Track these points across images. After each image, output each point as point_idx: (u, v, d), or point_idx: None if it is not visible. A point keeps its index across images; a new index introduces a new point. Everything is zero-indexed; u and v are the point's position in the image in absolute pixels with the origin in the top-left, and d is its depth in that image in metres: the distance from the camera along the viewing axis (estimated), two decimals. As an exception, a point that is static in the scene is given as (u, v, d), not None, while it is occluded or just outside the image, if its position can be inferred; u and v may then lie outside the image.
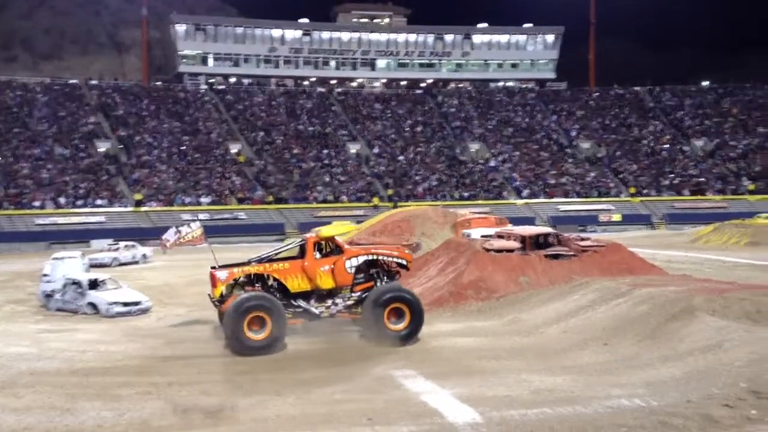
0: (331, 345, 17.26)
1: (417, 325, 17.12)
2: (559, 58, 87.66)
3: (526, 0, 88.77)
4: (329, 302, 17.44)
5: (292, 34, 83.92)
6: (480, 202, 65.36)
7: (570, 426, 10.89)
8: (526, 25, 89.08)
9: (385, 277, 17.94)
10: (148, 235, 54.48)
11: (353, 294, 17.55)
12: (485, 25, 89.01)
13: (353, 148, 73.71)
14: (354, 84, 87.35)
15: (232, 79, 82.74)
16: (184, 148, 68.84)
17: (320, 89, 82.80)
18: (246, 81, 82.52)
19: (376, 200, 65.15)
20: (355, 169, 70.68)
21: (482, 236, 28.32)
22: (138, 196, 60.66)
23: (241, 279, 17.46)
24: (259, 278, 17.46)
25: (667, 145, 77.40)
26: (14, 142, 64.21)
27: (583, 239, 26.81)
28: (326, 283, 17.27)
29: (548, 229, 29.64)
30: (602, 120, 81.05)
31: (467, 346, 16.93)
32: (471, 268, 22.84)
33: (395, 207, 54.94)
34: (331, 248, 17.68)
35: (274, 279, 17.34)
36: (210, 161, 67.83)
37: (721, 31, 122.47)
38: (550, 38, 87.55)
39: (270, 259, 18.03)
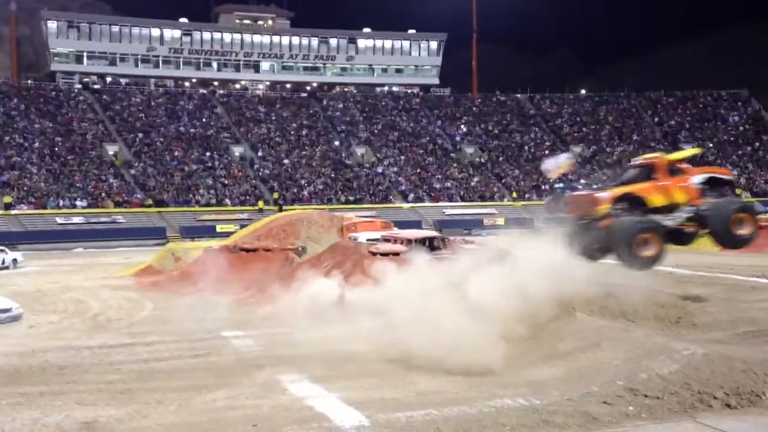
0: (210, 353, 16.87)
1: (756, 231, 18.99)
2: (442, 65, 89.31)
3: (409, 7, 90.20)
4: (674, 215, 18.67)
5: (171, 33, 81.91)
6: (366, 205, 65.59)
7: (455, 426, 10.95)
8: (410, 32, 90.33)
9: (714, 192, 19.50)
10: (19, 239, 51.97)
11: (691, 207, 18.78)
12: (369, 30, 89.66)
13: (237, 151, 72.61)
14: (237, 86, 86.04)
15: (109, 79, 79.87)
16: (57, 149, 65.94)
17: (202, 90, 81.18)
18: (123, 81, 79.85)
19: (261, 204, 64.34)
20: (240, 173, 69.61)
21: (368, 240, 28.34)
22: (7, 199, 57.61)
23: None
24: (623, 198, 18.48)
25: (548, 151, 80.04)
26: None
27: (467, 242, 27.24)
28: (679, 197, 18.71)
29: (434, 233, 29.99)
30: (485, 126, 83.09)
31: (354, 349, 16.76)
32: (357, 272, 22.77)
33: (280, 211, 54.37)
34: (675, 169, 19.07)
35: (635, 197, 18.46)
36: (85, 163, 65.23)
37: (596, 40, 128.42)
38: (434, 44, 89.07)
39: (629, 182, 19.17)
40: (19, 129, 67.13)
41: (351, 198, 68.19)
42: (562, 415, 11.07)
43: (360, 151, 76.33)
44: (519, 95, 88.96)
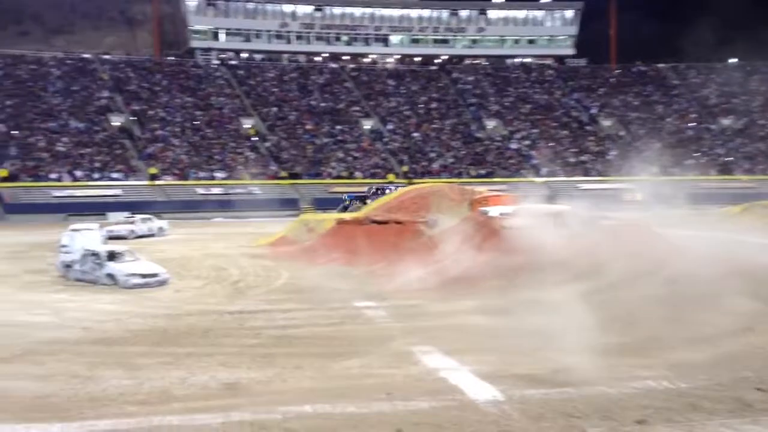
0: (343, 322, 17.11)
1: None
2: (578, 34, 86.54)
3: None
4: None
5: (303, 9, 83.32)
6: (497, 179, 64.77)
7: (595, 407, 10.61)
8: (543, 1, 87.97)
9: None
10: (164, 208, 54.63)
11: None
12: (501, 0, 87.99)
13: (367, 125, 73.29)
14: (367, 60, 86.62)
15: (244, 55, 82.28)
16: (197, 123, 68.67)
17: (332, 65, 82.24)
18: (258, 56, 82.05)
19: (391, 177, 64.75)
20: (369, 146, 70.27)
21: (501, 214, 27.88)
22: (153, 170, 60.62)
23: None
24: None
25: (693, 124, 76.27)
26: (29, 115, 64.26)
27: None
28: None
29: (566, 208, 29.11)
30: (624, 98, 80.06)
31: (485, 323, 16.58)
32: (489, 246, 22.48)
33: (411, 184, 54.51)
34: None
35: None
36: (223, 136, 67.65)
37: (747, 4, 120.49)
38: (569, 14, 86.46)
39: None
40: (162, 103, 70.32)
41: (482, 172, 67.51)
42: (710, 400, 10.54)
43: (491, 124, 75.40)
44: (661, 65, 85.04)
